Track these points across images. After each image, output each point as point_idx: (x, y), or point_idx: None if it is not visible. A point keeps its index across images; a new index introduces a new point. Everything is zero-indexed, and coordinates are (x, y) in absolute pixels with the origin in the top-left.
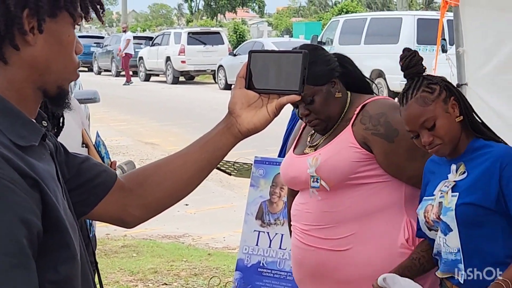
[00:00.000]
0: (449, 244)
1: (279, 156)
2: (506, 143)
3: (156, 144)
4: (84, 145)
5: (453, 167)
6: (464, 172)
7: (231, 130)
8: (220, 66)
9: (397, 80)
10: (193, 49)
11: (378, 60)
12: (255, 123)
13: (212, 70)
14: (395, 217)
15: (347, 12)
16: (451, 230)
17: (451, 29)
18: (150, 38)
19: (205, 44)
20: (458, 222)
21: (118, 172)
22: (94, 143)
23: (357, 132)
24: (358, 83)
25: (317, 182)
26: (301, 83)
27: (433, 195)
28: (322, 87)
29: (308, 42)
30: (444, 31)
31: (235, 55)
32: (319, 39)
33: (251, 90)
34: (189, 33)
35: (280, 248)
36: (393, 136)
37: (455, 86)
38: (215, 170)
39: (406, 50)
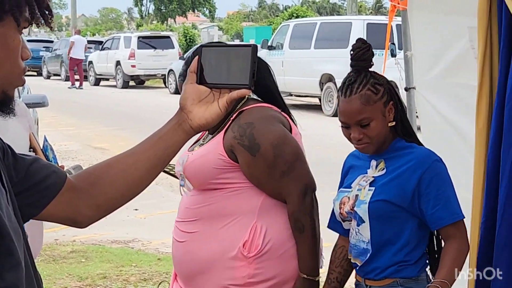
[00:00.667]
0: (362, 233)
1: None
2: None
3: (105, 148)
4: (32, 149)
5: (373, 163)
6: (383, 169)
7: (183, 126)
8: (170, 70)
9: None
10: (143, 54)
11: (328, 64)
12: (206, 118)
13: (162, 75)
14: (246, 221)
15: (297, 17)
16: (364, 222)
17: (400, 34)
18: (100, 42)
19: (155, 48)
20: (370, 215)
21: None
22: (41, 148)
23: (226, 138)
24: (264, 90)
25: (183, 181)
26: (251, 77)
27: (351, 187)
28: None
29: (258, 46)
30: (393, 36)
31: (185, 59)
32: (269, 44)
33: (202, 85)
34: (139, 37)
35: None
36: (256, 150)
37: (405, 88)
38: (164, 175)
39: (360, 41)
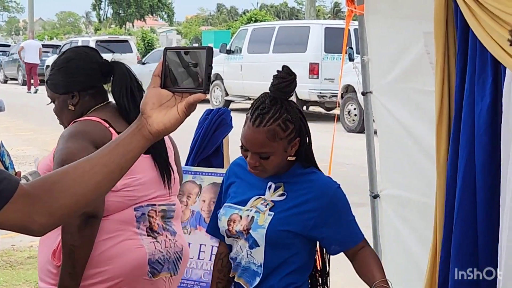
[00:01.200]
0: (254, 256)
1: (186, 164)
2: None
3: None
4: None
5: (271, 185)
6: (283, 194)
7: (142, 131)
8: None
9: (305, 89)
10: None
11: None
12: (165, 124)
13: None
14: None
15: (256, 21)
16: (258, 246)
17: (358, 38)
18: (58, 47)
19: (113, 52)
20: (266, 241)
21: (22, 182)
22: None
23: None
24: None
25: None
26: (205, 81)
27: (242, 205)
28: (60, 95)
29: (217, 50)
30: (351, 40)
31: (143, 63)
32: (228, 48)
33: (165, 89)
34: (97, 41)
35: None
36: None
37: (362, 93)
38: None
39: (286, 72)
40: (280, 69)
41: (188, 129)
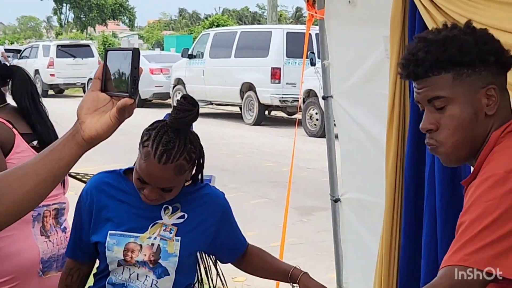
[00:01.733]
0: (160, 285)
1: None
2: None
3: None
4: None
5: (168, 207)
6: (183, 216)
7: (76, 137)
8: (90, 79)
9: (267, 93)
10: (63, 62)
11: (248, 73)
12: (97, 129)
13: (82, 83)
14: None
15: (218, 26)
16: (168, 275)
17: (319, 43)
18: (18, 51)
19: (74, 57)
20: (178, 268)
21: None
22: None
23: None
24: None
25: None
26: (131, 85)
27: (139, 233)
28: None
29: (179, 55)
30: (313, 45)
31: None
32: (190, 52)
33: (104, 93)
34: (58, 45)
35: None
36: None
37: (322, 97)
38: (75, 185)
39: (190, 104)
40: (183, 100)
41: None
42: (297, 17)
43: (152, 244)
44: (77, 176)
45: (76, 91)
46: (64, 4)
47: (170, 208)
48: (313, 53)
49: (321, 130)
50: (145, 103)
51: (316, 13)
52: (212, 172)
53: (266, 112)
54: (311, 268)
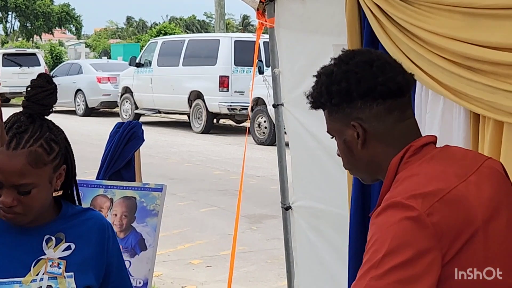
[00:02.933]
0: None
1: (97, 178)
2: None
3: None
4: None
5: (50, 238)
6: (69, 247)
7: None
8: None
9: (215, 101)
10: (9, 71)
11: (196, 81)
12: None
13: None
14: None
15: (165, 34)
16: None
17: (267, 51)
18: None
19: (21, 65)
20: None
21: None
22: None
23: None
24: None
25: None
26: None
27: (20, 276)
28: None
29: (126, 63)
30: (261, 53)
31: (52, 76)
32: (137, 61)
33: None
34: (4, 54)
35: None
36: None
37: (273, 105)
38: None
39: (44, 79)
40: (37, 77)
41: (99, 143)
42: (245, 25)
43: (40, 287)
44: None
45: (22, 100)
46: (10, 12)
47: (53, 239)
48: (261, 61)
49: (270, 138)
50: (93, 112)
51: (266, 21)
52: (161, 181)
53: (215, 120)
54: (261, 276)
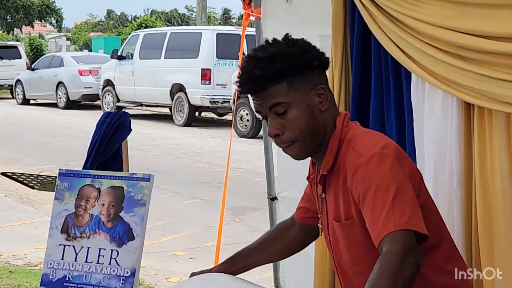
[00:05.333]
0: None
1: (84, 168)
2: None
3: None
4: None
5: None
6: None
7: None
8: (18, 81)
9: (197, 94)
10: None
11: (178, 74)
12: None
13: (9, 85)
14: None
15: (146, 27)
16: None
17: (250, 44)
18: None
19: (2, 58)
20: None
21: None
22: None
23: None
24: None
25: None
26: None
27: None
28: None
29: (108, 56)
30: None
31: (33, 69)
32: (119, 53)
33: None
34: None
35: (86, 261)
36: None
37: None
38: (14, 186)
39: None
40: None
41: (81, 136)
42: (225, 19)
43: None
44: (13, 176)
45: (3, 93)
46: None
47: None
48: (244, 54)
49: (252, 131)
50: (74, 105)
51: (252, 12)
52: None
53: (197, 113)
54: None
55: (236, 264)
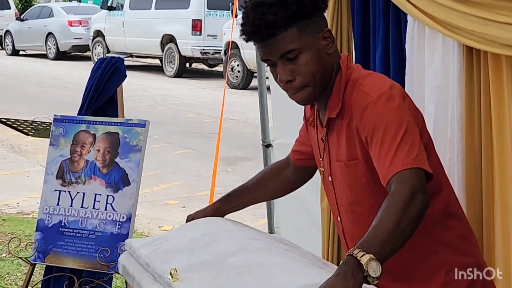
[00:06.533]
0: None
1: (79, 114)
2: None
3: None
4: None
5: None
6: None
7: None
8: (7, 31)
9: (188, 45)
10: None
11: (169, 25)
12: None
13: None
14: None
15: None
16: None
17: None
18: None
19: None
20: None
21: None
22: None
23: None
24: None
25: None
26: None
27: None
28: None
29: (98, 7)
30: None
31: (22, 20)
32: (109, 4)
33: None
34: None
35: (82, 207)
36: None
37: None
38: (6, 136)
39: None
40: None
41: (71, 87)
42: None
43: None
44: (8, 122)
45: None
46: None
47: None
48: (233, 4)
49: (243, 82)
50: (64, 56)
51: None
52: None
53: (187, 64)
54: (237, 217)
55: (231, 202)
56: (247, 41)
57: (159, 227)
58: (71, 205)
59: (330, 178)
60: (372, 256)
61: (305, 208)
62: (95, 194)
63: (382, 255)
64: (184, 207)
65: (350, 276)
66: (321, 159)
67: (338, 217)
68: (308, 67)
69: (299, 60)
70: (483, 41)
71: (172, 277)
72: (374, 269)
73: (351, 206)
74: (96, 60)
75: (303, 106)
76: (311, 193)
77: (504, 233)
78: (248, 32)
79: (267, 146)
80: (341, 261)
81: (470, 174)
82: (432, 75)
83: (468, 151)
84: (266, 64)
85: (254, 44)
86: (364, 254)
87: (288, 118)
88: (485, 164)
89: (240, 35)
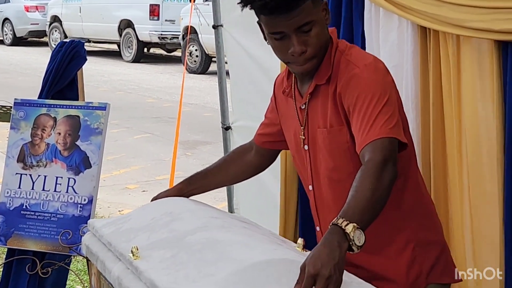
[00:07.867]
0: None
1: (39, 97)
2: None
3: None
4: None
5: None
6: None
7: None
8: (6, 18)
9: (146, 30)
10: None
11: (126, 10)
12: None
13: None
14: None
15: None
16: None
17: None
18: None
19: None
20: None
21: None
22: None
23: None
24: None
25: None
26: None
27: None
28: None
29: None
30: None
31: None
32: None
33: None
34: None
35: (43, 189)
36: None
37: (212, 26)
38: None
39: None
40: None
41: (28, 72)
42: None
43: None
44: None
45: None
46: None
47: None
48: None
49: (201, 66)
50: (21, 41)
51: None
52: None
53: (145, 49)
54: (197, 200)
55: (193, 184)
56: (267, 13)
57: (119, 211)
58: (32, 188)
59: (306, 147)
60: (356, 224)
61: (264, 188)
62: (57, 177)
63: (363, 224)
64: (144, 191)
65: (336, 246)
66: (302, 127)
67: (310, 186)
68: (318, 39)
69: (311, 32)
70: (436, 21)
71: (133, 255)
72: (358, 237)
73: (329, 172)
74: (53, 46)
75: (261, 89)
76: (270, 173)
77: (455, 209)
78: (274, 4)
79: (226, 128)
80: (327, 231)
81: (425, 151)
82: (387, 56)
83: (424, 130)
84: (224, 50)
85: (266, 17)
86: (348, 223)
87: (245, 101)
88: (434, 140)
89: (260, 8)
